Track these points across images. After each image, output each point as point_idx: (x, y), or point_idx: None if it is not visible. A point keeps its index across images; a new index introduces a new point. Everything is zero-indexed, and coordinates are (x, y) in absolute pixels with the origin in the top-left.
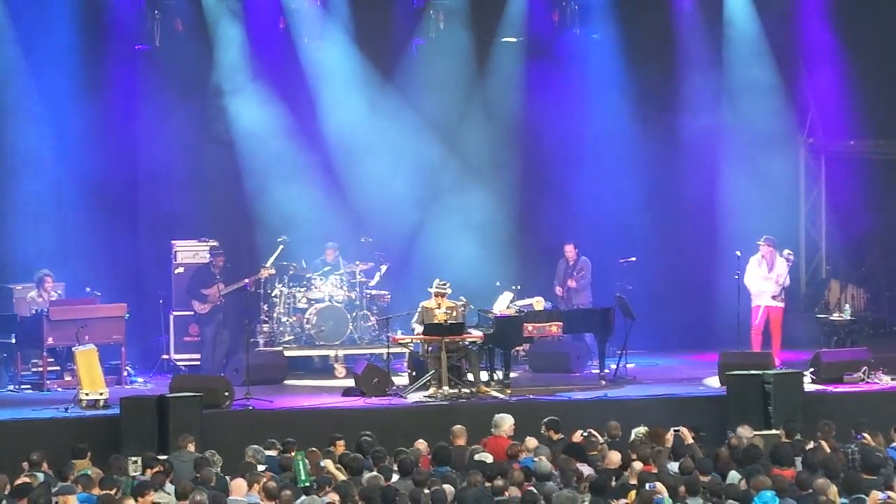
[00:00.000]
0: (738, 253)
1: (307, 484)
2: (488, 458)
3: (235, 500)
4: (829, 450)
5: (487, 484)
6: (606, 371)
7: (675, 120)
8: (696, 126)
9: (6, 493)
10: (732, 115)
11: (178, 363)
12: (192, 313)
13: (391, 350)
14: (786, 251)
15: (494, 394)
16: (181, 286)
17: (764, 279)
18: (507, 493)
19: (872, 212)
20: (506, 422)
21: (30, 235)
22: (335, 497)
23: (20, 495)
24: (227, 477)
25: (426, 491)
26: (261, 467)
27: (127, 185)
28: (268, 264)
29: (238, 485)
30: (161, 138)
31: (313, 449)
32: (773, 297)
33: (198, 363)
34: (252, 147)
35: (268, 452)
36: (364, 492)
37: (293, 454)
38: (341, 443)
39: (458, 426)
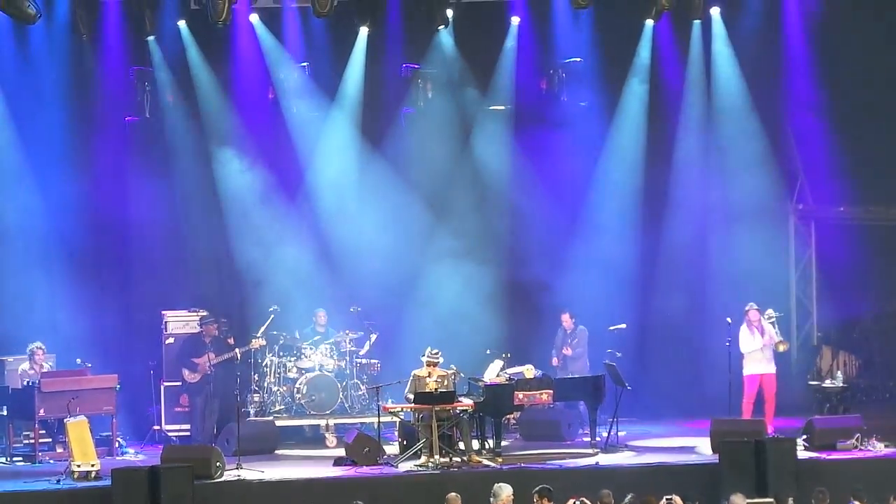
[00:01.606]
0: (729, 320)
1: None
2: None
3: None
4: None
5: None
6: (598, 439)
7: (664, 187)
8: (685, 193)
9: None
10: (721, 183)
11: (169, 433)
12: (181, 383)
13: (382, 419)
14: (767, 312)
15: (486, 462)
16: (171, 356)
17: (762, 348)
18: None
19: (863, 278)
20: (504, 491)
21: (20, 307)
22: None
23: None
24: None
25: None
26: None
27: (117, 256)
28: (258, 334)
29: None
30: (150, 208)
31: None
32: (769, 362)
33: (188, 433)
34: (242, 216)
35: None
36: None
37: None
38: None
39: (453, 494)
